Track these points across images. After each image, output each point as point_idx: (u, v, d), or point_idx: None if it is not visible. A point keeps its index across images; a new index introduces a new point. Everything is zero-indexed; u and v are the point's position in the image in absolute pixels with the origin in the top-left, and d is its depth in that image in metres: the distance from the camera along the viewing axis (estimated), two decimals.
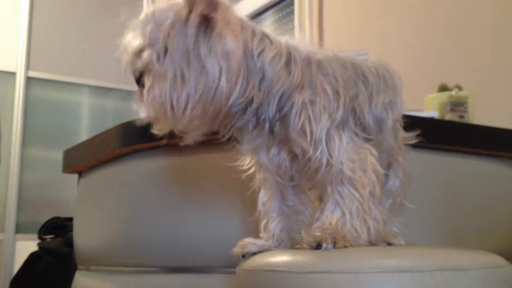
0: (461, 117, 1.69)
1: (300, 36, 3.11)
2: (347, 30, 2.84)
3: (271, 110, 0.92)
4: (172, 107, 0.89)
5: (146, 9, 0.94)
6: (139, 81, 0.93)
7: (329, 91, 0.92)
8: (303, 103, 0.90)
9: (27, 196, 3.77)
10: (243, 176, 1.03)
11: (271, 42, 0.94)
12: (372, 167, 0.91)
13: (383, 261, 0.79)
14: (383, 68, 1.04)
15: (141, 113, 0.95)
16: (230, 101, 0.90)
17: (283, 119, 0.92)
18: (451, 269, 0.78)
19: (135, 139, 1.50)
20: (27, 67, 4.02)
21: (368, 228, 0.89)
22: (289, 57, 0.93)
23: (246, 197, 1.05)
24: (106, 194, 1.64)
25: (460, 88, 1.77)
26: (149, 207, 1.47)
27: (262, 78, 0.91)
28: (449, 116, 1.69)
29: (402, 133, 1.09)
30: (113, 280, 1.58)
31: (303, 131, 0.90)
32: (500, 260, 0.86)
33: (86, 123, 4.15)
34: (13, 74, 3.97)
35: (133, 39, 0.94)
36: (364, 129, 0.96)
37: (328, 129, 0.90)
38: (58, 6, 4.23)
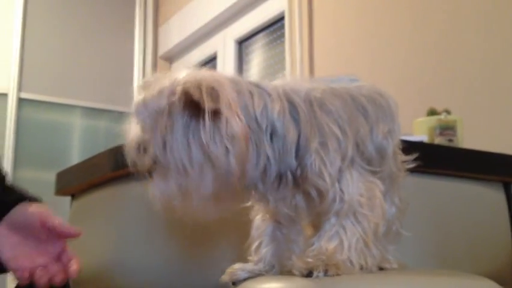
0: (450, 141, 1.70)
1: (291, 59, 3.13)
2: (337, 54, 2.87)
3: (292, 162, 0.90)
4: (180, 199, 0.87)
5: (137, 95, 0.89)
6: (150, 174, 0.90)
7: (337, 131, 0.91)
8: (317, 148, 0.89)
9: None
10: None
11: (268, 94, 0.90)
12: (380, 205, 0.91)
13: None
14: (378, 95, 1.03)
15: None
16: (247, 177, 0.87)
17: (303, 167, 0.90)
18: None
19: (127, 163, 1.50)
20: (19, 88, 4.03)
21: (365, 263, 0.89)
22: (291, 104, 0.91)
23: (240, 223, 1.05)
24: (98, 216, 1.64)
25: (448, 112, 1.79)
26: (142, 231, 1.47)
27: (274, 134, 0.88)
28: (438, 140, 1.70)
29: (401, 156, 1.08)
30: None
31: (321, 173, 0.88)
32: (492, 285, 0.87)
33: (78, 145, 4.15)
34: (5, 95, 3.98)
35: (132, 132, 0.90)
36: (368, 161, 0.95)
37: (342, 169, 0.89)
38: (51, 27, 4.25)
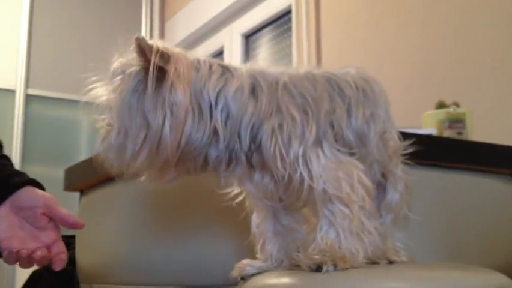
0: (459, 134, 1.70)
1: (298, 53, 3.13)
2: (345, 47, 2.86)
3: (245, 142, 0.91)
4: (118, 158, 0.91)
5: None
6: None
7: (295, 114, 0.90)
8: (273, 129, 0.90)
9: None
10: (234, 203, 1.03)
11: (232, 75, 0.92)
12: (358, 180, 0.90)
13: (384, 284, 0.80)
14: (362, 80, 1.02)
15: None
16: (180, 148, 0.89)
17: (259, 147, 0.91)
18: None
19: None
20: (27, 85, 4.04)
21: (364, 244, 0.89)
22: (253, 85, 0.92)
23: (242, 217, 1.05)
24: (107, 212, 1.65)
25: (457, 105, 1.78)
26: (150, 226, 1.47)
27: (228, 116, 0.90)
28: (447, 133, 1.69)
29: (393, 143, 1.07)
30: None
31: (275, 157, 0.89)
32: (504, 279, 0.87)
33: (85, 140, 4.16)
34: (13, 91, 3.99)
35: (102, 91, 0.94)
36: (344, 143, 0.94)
37: (304, 151, 0.89)
38: (57, 24, 4.27)
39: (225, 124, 0.90)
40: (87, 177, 1.75)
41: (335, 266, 0.84)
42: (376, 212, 1.00)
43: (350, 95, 0.98)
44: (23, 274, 2.56)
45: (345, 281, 0.81)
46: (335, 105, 0.95)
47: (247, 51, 3.86)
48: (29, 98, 4.04)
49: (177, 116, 0.87)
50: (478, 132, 1.78)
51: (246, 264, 1.00)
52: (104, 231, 1.63)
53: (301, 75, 0.96)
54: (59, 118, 4.15)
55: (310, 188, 0.88)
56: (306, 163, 0.89)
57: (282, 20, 3.53)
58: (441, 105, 1.81)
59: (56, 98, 4.13)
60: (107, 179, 1.63)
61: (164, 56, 0.87)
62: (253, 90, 0.91)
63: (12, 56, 4.04)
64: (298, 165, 0.88)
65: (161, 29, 4.60)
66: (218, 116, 0.89)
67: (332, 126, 0.93)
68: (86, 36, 4.30)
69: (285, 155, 0.89)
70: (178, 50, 0.92)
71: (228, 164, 0.93)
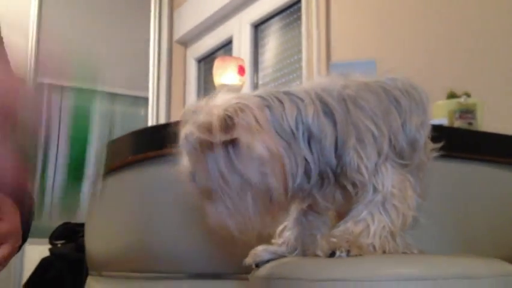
0: (470, 124, 1.69)
1: (307, 42, 3.12)
2: (355, 37, 2.85)
3: (332, 161, 0.91)
4: (231, 219, 0.90)
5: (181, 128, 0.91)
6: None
7: (372, 127, 0.92)
8: (354, 146, 0.91)
9: (38, 200, 3.78)
10: None
11: (301, 99, 0.91)
12: (409, 196, 0.93)
13: (397, 270, 0.81)
14: (412, 88, 1.03)
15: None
16: (290, 188, 0.89)
17: (343, 165, 0.92)
18: (465, 277, 0.80)
19: (147, 146, 1.51)
20: (37, 73, 4.06)
21: (388, 250, 0.90)
22: (324, 105, 0.91)
23: None
24: (118, 200, 1.65)
25: (468, 95, 1.78)
26: (161, 214, 1.48)
27: (311, 138, 0.89)
28: (457, 123, 1.69)
29: (430, 144, 1.09)
30: (124, 286, 1.60)
31: (359, 168, 0.91)
32: (509, 268, 0.87)
33: (95, 129, 4.17)
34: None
35: (182, 162, 0.92)
36: (399, 155, 0.96)
37: (376, 163, 0.91)
38: (66, 14, 4.27)
39: (310, 150, 0.90)
40: None
41: (349, 252, 0.85)
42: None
43: (406, 106, 1.00)
44: (30, 259, 2.58)
45: (359, 267, 0.82)
46: (392, 119, 0.97)
47: (256, 41, 3.85)
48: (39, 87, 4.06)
49: (273, 166, 0.86)
50: (489, 122, 1.77)
51: (261, 250, 1.01)
52: (115, 219, 1.64)
53: (362, 87, 0.97)
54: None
55: (374, 195, 0.91)
56: (378, 174, 0.92)
57: (291, 9, 3.52)
58: (452, 95, 1.81)
59: (66, 86, 4.15)
60: (118, 167, 1.64)
61: (228, 126, 0.84)
62: (325, 110, 0.91)
63: (21, 44, 4.05)
64: (374, 175, 0.91)
65: (170, 17, 4.59)
66: (301, 143, 0.89)
67: (390, 139, 0.95)
68: (94, 26, 4.30)
69: (368, 165, 0.91)
70: (246, 97, 0.90)
71: (322, 184, 0.94)
